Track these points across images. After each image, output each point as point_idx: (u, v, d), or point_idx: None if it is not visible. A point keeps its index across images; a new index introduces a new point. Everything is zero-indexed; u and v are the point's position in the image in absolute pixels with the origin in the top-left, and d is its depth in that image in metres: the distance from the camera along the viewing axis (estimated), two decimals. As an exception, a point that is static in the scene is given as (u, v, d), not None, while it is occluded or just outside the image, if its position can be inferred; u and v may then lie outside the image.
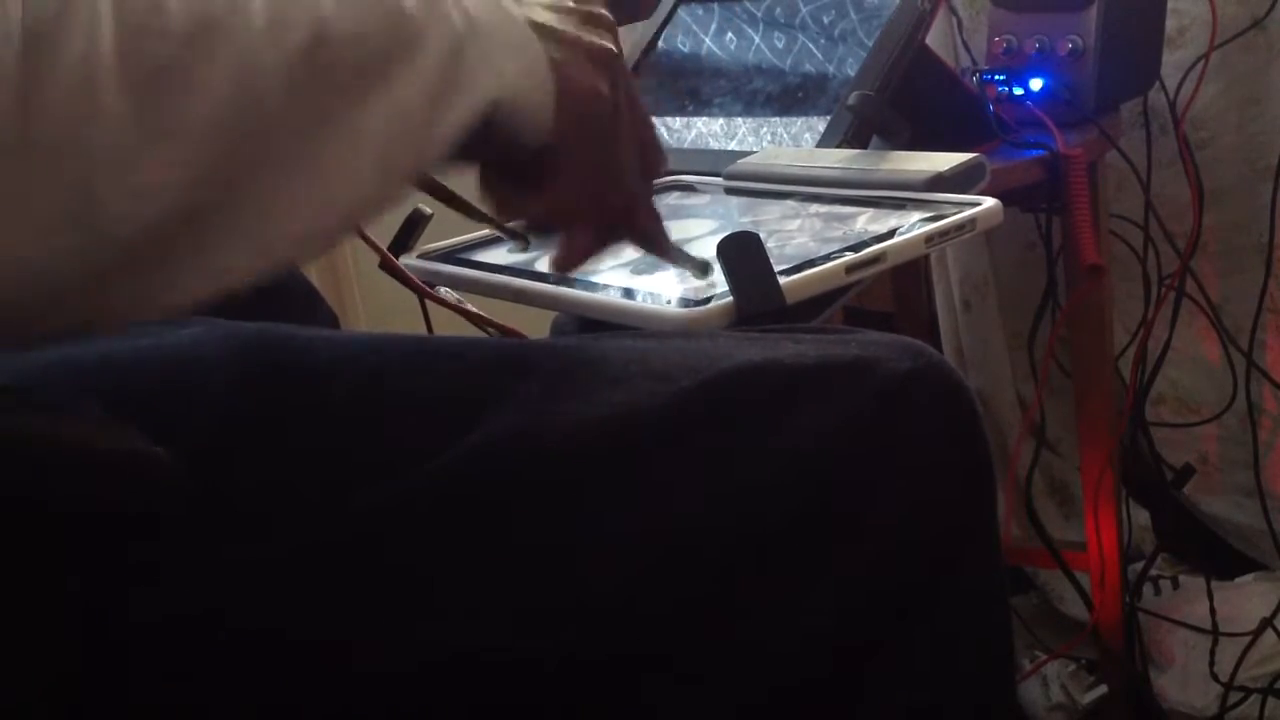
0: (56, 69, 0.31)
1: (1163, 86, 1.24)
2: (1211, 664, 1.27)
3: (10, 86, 0.30)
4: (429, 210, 0.80)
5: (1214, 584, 1.31)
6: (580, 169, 0.53)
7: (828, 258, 0.63)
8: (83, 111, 0.32)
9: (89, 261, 0.33)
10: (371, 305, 1.52)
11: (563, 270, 0.58)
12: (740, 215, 0.81)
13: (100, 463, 0.38)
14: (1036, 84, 1.11)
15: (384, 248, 0.77)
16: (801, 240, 0.70)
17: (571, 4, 0.52)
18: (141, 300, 0.36)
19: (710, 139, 1.08)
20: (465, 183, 0.57)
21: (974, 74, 1.12)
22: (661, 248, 0.61)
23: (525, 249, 0.74)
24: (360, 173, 0.40)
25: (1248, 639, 1.27)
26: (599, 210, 0.55)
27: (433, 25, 0.42)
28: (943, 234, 0.67)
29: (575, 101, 0.50)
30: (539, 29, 0.49)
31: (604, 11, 0.53)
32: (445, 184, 0.63)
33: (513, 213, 0.58)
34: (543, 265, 0.74)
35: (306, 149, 0.38)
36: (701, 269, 0.63)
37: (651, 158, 0.57)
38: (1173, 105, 1.24)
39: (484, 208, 0.58)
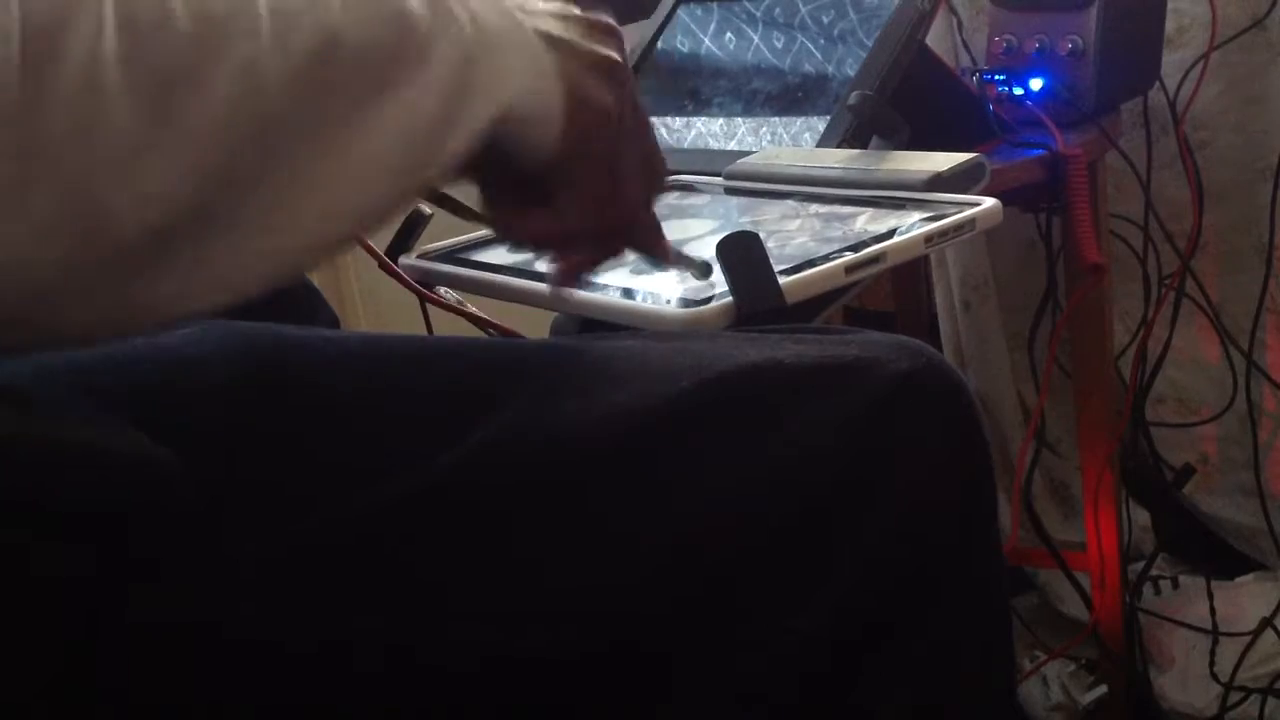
0: (59, 70, 0.31)
1: (1163, 86, 1.24)
2: (1211, 664, 1.27)
3: (11, 87, 0.30)
4: (429, 210, 0.80)
5: (1214, 584, 1.31)
6: (585, 184, 0.51)
7: (827, 258, 0.63)
8: (86, 113, 0.31)
9: (90, 265, 0.33)
10: (371, 305, 1.52)
11: (560, 286, 0.57)
12: (740, 215, 0.81)
13: (101, 462, 0.38)
14: (1036, 84, 1.11)
15: (382, 248, 0.77)
16: (801, 240, 0.70)
17: (576, 12, 0.51)
18: (142, 307, 0.36)
19: (710, 139, 1.08)
20: (465, 191, 0.57)
21: (974, 74, 1.12)
22: (664, 255, 0.60)
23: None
24: (368, 181, 0.39)
25: (1248, 639, 1.27)
26: (602, 226, 0.55)
27: (442, 32, 0.41)
28: (942, 234, 0.67)
29: (583, 114, 0.49)
30: (547, 39, 0.48)
31: (609, 19, 0.52)
32: (461, 202, 0.62)
33: (516, 233, 0.56)
34: (543, 265, 0.74)
35: (313, 154, 0.37)
36: (703, 270, 0.63)
37: (654, 168, 0.56)
38: (1173, 105, 1.24)
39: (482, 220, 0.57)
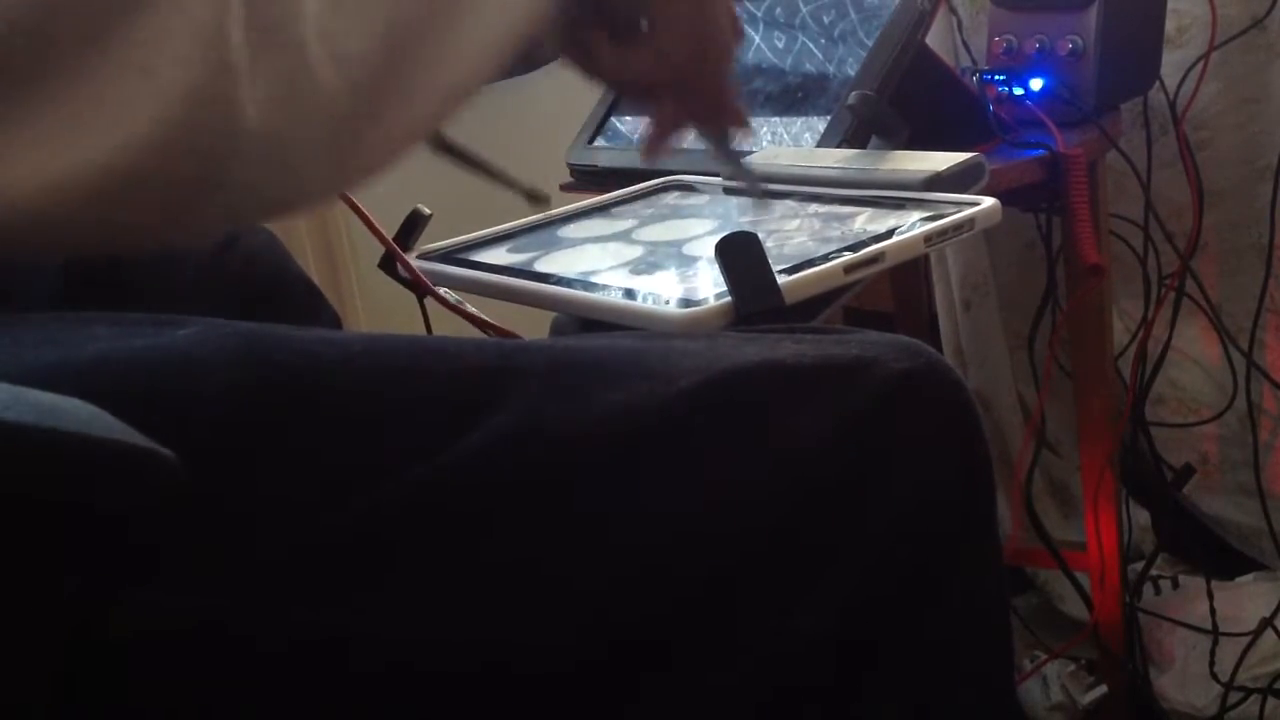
0: None
1: (1163, 86, 1.24)
2: (1211, 664, 1.27)
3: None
4: (428, 210, 0.80)
5: (1214, 584, 1.31)
6: (683, 18, 0.57)
7: (826, 257, 0.63)
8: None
9: (312, 127, 0.37)
10: (371, 305, 1.52)
11: (651, 154, 0.60)
12: (740, 215, 0.81)
13: (101, 462, 0.38)
14: (1036, 84, 1.11)
15: (381, 252, 0.78)
16: (800, 240, 0.70)
17: None
18: (362, 162, 0.41)
19: (710, 139, 1.08)
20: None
21: (974, 74, 1.12)
22: (746, 127, 0.65)
23: (545, 207, 0.75)
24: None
25: (1248, 639, 1.27)
26: (701, 69, 0.58)
27: None
28: (941, 233, 0.67)
29: None
30: None
31: None
32: (468, 149, 0.64)
33: (612, 72, 0.60)
34: (543, 265, 0.74)
35: None
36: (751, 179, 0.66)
37: (733, 16, 0.61)
38: (1173, 105, 1.24)
39: (584, 70, 0.61)
